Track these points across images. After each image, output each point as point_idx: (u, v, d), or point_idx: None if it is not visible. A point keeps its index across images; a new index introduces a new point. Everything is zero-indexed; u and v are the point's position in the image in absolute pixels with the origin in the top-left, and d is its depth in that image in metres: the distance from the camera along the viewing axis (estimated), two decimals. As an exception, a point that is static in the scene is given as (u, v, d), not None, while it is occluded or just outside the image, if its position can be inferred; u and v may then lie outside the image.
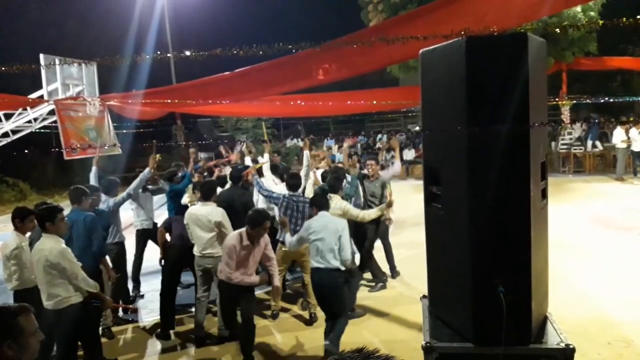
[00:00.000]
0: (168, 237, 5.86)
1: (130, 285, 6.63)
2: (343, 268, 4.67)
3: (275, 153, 10.05)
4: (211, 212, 5.32)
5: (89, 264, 4.61)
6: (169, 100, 9.13)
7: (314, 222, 4.77)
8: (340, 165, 8.09)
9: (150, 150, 6.64)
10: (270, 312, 5.91)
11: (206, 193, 5.50)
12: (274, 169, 7.52)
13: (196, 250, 5.38)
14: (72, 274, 4.00)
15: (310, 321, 5.65)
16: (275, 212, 6.11)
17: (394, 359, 1.06)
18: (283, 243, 5.70)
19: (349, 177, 6.60)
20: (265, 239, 4.79)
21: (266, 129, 13.31)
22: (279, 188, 6.50)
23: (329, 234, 4.61)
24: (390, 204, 5.81)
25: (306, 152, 6.90)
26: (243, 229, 4.69)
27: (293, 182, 5.93)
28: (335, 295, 4.63)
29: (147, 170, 6.20)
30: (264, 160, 7.59)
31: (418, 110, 18.65)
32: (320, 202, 4.93)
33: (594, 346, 4.66)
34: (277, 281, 4.90)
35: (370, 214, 5.69)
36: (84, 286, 4.09)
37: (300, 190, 6.11)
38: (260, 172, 7.07)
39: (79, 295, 4.07)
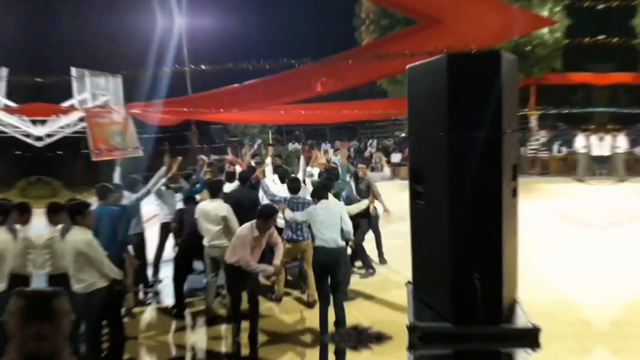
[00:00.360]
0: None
1: (150, 272, 6.60)
2: (343, 244, 4.83)
3: (277, 157, 10.04)
4: (218, 207, 5.30)
5: (114, 252, 4.59)
6: (185, 109, 9.11)
7: (317, 208, 4.87)
8: (334, 165, 8.09)
9: (165, 152, 6.68)
10: (274, 296, 5.90)
11: (214, 191, 5.49)
12: (275, 169, 7.53)
13: (205, 242, 5.36)
14: (98, 262, 3.98)
15: (309, 305, 5.64)
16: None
17: (384, 335, 1.05)
18: (288, 241, 5.67)
19: (340, 169, 6.65)
20: (271, 229, 4.81)
21: (271, 135, 13.29)
22: (277, 187, 6.51)
23: (331, 215, 4.78)
24: (371, 201, 5.96)
25: (302, 157, 7.01)
26: (253, 222, 4.70)
27: (294, 185, 5.87)
28: (338, 268, 4.78)
29: (163, 169, 6.19)
30: (267, 162, 7.62)
31: (404, 118, 18.63)
32: (320, 194, 5.03)
33: (557, 326, 4.67)
34: (279, 261, 4.90)
35: (352, 209, 5.70)
36: (110, 273, 4.07)
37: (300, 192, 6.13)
38: (263, 172, 7.08)
39: (104, 280, 4.06)
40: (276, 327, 5.16)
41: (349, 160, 9.63)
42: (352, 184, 6.73)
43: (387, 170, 7.56)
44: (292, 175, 6.98)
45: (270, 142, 10.47)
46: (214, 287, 5.47)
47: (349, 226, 4.86)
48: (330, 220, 4.79)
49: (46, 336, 2.03)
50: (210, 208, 5.32)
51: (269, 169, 7.55)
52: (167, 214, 6.73)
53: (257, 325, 4.80)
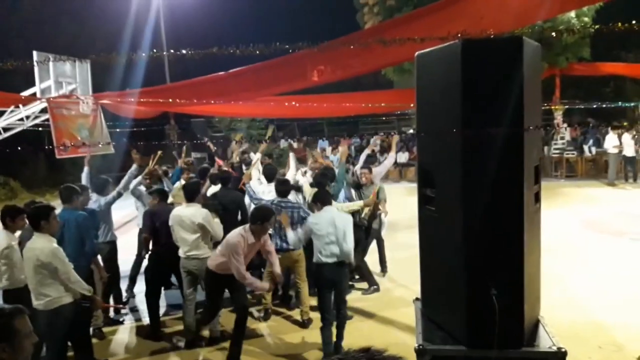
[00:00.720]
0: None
1: (124, 285, 6.56)
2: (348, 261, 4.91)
3: (266, 156, 10.04)
4: (195, 213, 5.27)
5: (81, 263, 4.58)
6: (163, 100, 9.09)
7: (320, 217, 4.84)
8: (331, 165, 8.10)
9: (132, 147, 6.71)
10: (261, 315, 5.90)
11: (190, 194, 5.47)
12: (263, 169, 7.54)
13: (181, 252, 5.34)
14: (64, 275, 3.96)
15: (304, 325, 5.64)
16: None
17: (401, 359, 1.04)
18: (277, 251, 5.66)
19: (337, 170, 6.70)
20: (265, 235, 4.84)
21: (263, 130, 13.27)
22: (263, 187, 6.53)
23: (336, 228, 4.73)
24: (370, 204, 6.02)
25: (292, 154, 7.03)
26: (245, 226, 4.72)
27: (282, 188, 5.86)
28: (343, 282, 4.90)
29: (134, 167, 6.18)
30: (256, 157, 7.65)
31: (412, 113, 18.63)
32: (323, 198, 5.00)
33: (585, 350, 4.69)
34: (278, 269, 4.96)
35: (344, 207, 5.70)
36: (76, 287, 4.04)
37: (299, 196, 6.15)
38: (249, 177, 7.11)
39: (70, 295, 4.04)
40: (266, 349, 5.15)
41: (349, 161, 9.65)
42: (352, 190, 6.74)
43: (392, 157, 7.32)
44: (283, 175, 6.99)
45: (267, 138, 10.43)
46: (193, 304, 5.44)
47: (349, 245, 4.76)
48: (334, 232, 4.74)
49: (4, 361, 2.02)
50: (186, 214, 5.29)
51: (255, 169, 7.55)
52: None
53: (241, 347, 4.79)
